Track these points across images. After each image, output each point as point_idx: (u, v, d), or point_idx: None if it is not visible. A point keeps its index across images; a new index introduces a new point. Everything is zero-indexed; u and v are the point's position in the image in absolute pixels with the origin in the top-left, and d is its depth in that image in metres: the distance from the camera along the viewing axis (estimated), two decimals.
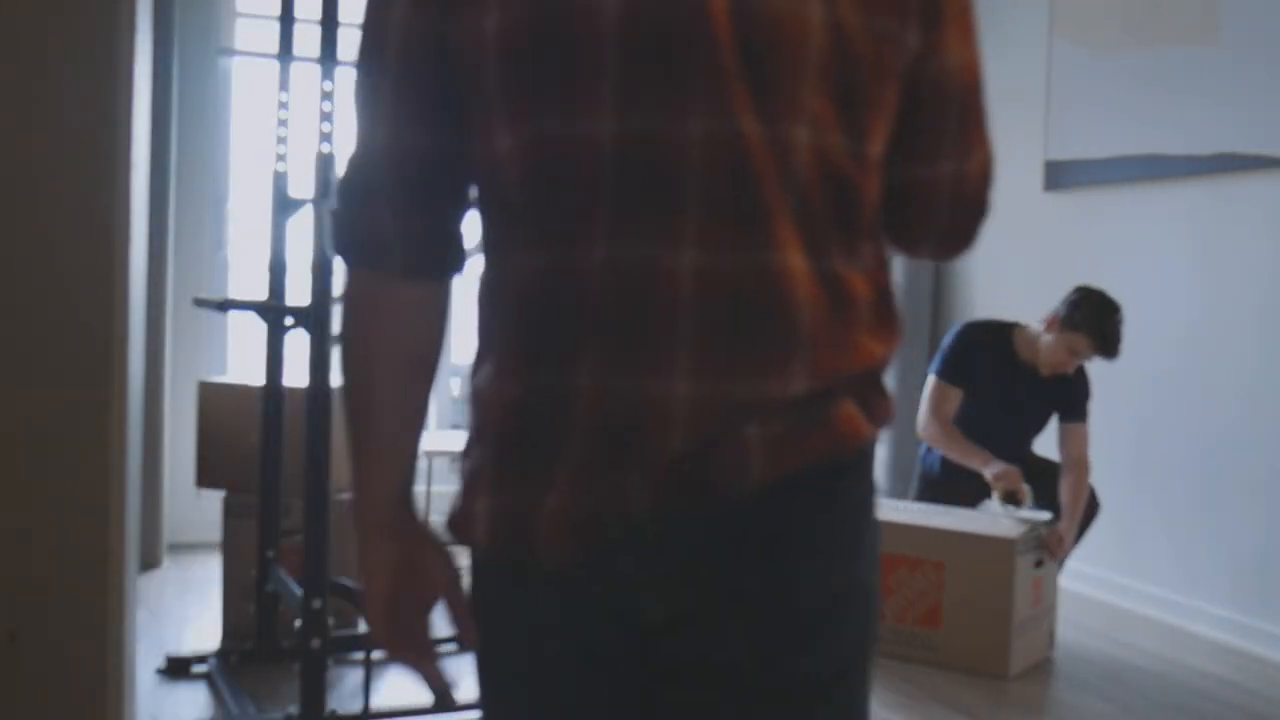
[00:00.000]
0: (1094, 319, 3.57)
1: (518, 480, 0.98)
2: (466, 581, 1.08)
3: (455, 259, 1.05)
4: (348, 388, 1.07)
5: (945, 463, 3.85)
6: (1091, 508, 3.76)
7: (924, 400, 3.79)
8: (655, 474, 0.94)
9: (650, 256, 0.93)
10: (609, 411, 0.94)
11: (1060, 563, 3.79)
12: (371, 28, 1.01)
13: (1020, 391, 3.75)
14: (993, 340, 3.77)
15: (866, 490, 1.02)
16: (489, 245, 1.01)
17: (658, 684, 0.99)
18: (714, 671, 0.97)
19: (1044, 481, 3.75)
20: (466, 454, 1.04)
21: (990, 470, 3.62)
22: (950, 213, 1.09)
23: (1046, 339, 3.66)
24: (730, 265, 0.93)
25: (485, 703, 1.12)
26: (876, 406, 1.00)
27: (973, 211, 1.12)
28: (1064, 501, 3.66)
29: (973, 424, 3.76)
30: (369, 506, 1.08)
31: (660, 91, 0.93)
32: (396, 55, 0.99)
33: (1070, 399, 3.72)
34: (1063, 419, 3.73)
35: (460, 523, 1.02)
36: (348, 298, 1.05)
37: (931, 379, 3.79)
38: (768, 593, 0.96)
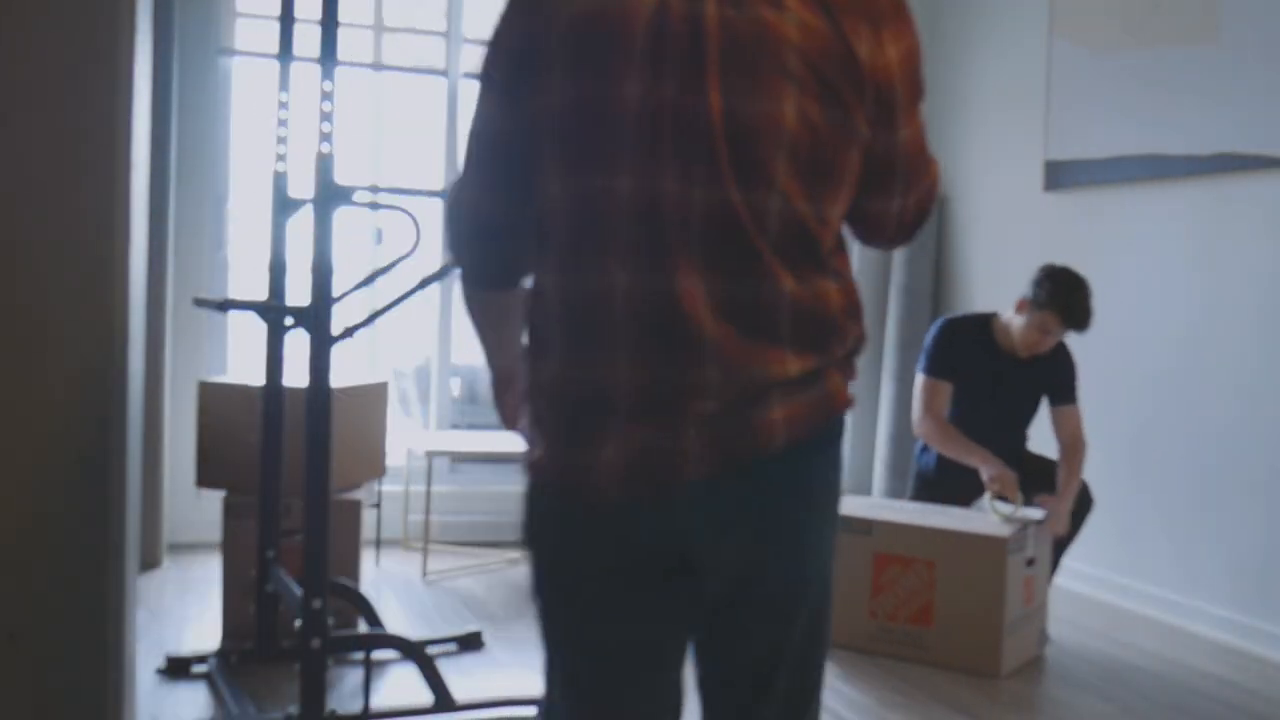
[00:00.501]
0: (1060, 295, 3.60)
1: (576, 440, 1.33)
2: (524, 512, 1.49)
3: (521, 277, 1.48)
4: (480, 333, 1.58)
5: (940, 461, 3.86)
6: (1085, 502, 3.77)
7: (916, 399, 3.81)
8: (695, 432, 1.28)
9: (672, 283, 1.29)
10: (647, 391, 1.29)
11: (1056, 563, 3.80)
12: (476, 109, 1.42)
13: (1006, 379, 3.77)
14: (973, 332, 3.81)
15: (840, 443, 1.39)
16: (537, 264, 1.39)
17: (680, 590, 1.35)
18: (732, 583, 1.34)
19: (1041, 479, 3.75)
20: (531, 417, 1.42)
21: (987, 471, 3.63)
22: (895, 229, 1.47)
23: (1018, 321, 3.71)
24: (730, 291, 1.29)
25: (544, 612, 1.44)
26: (849, 378, 1.39)
27: (914, 225, 1.48)
28: (1060, 478, 3.68)
29: (964, 419, 3.78)
30: (501, 364, 1.59)
31: (665, 166, 1.28)
32: (491, 134, 1.40)
33: (1056, 381, 3.76)
34: (1053, 402, 3.77)
35: (532, 466, 1.43)
36: (465, 295, 1.54)
37: (920, 377, 3.81)
38: (783, 524, 1.34)
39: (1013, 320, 3.74)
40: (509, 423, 1.67)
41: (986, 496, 3.65)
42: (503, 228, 1.43)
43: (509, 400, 1.64)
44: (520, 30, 1.35)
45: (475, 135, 1.43)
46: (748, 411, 1.29)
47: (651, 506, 1.31)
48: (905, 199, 1.43)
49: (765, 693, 1.42)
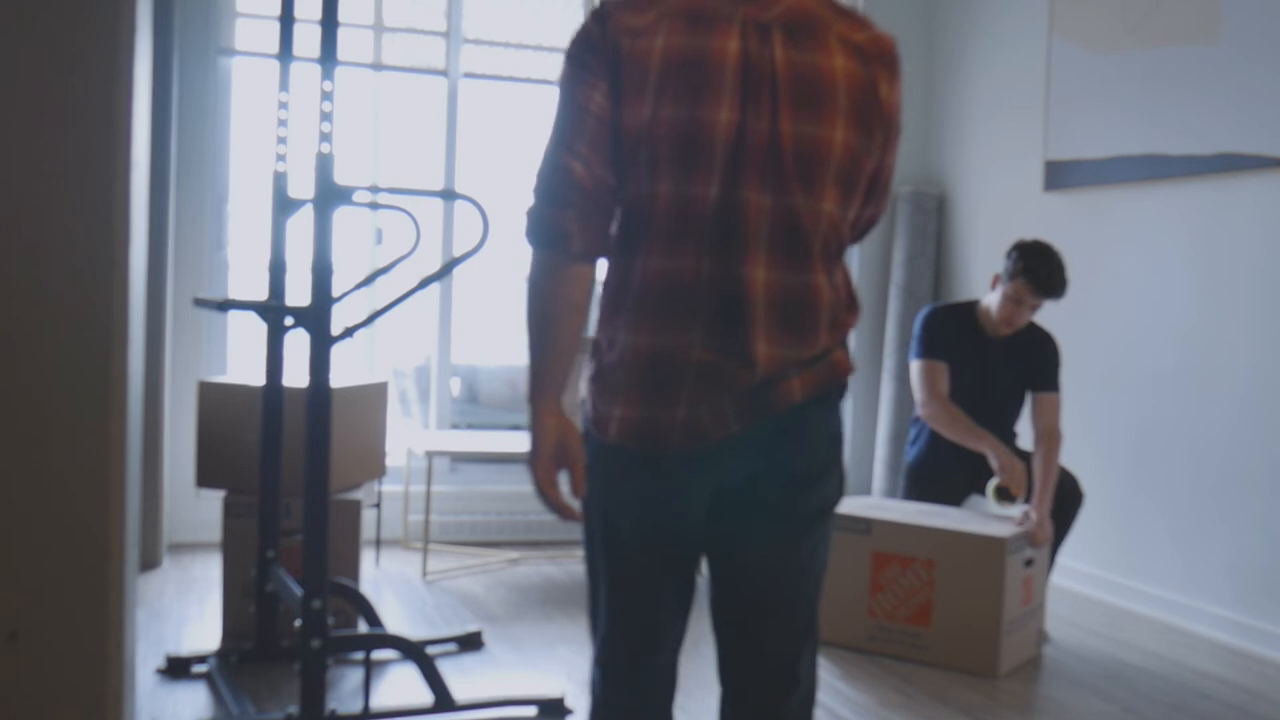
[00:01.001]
0: (1029, 262, 3.65)
1: (652, 400, 1.63)
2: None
3: (605, 252, 1.67)
4: (536, 322, 1.66)
5: (927, 457, 3.88)
6: (1075, 497, 3.77)
7: (916, 383, 3.82)
8: (741, 400, 1.62)
9: (735, 272, 1.61)
10: (712, 364, 1.61)
11: (1052, 560, 3.80)
12: (570, 92, 1.64)
13: (990, 362, 3.79)
14: (957, 317, 3.85)
15: (841, 406, 1.74)
16: (625, 250, 1.65)
17: (731, 514, 1.68)
18: (767, 502, 1.67)
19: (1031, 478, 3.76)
20: (600, 380, 1.67)
21: (995, 459, 3.62)
22: (861, 232, 1.81)
23: (993, 297, 3.76)
24: (784, 281, 1.63)
25: (601, 551, 1.74)
26: (849, 355, 1.74)
27: (872, 226, 1.83)
28: (1035, 475, 3.64)
29: (974, 406, 3.80)
30: (547, 394, 1.67)
31: (747, 178, 1.61)
32: (594, 121, 1.62)
33: (1039, 365, 3.76)
34: (1034, 388, 3.76)
35: (596, 420, 1.68)
36: (536, 268, 1.66)
37: (916, 363, 3.84)
38: (798, 462, 1.68)
39: (990, 299, 3.78)
40: (548, 497, 1.68)
41: (991, 484, 3.65)
42: (602, 191, 1.64)
43: (549, 465, 1.68)
44: (618, 51, 1.62)
45: (573, 111, 1.64)
46: (776, 385, 1.65)
47: (699, 453, 1.65)
48: (877, 208, 1.80)
49: (791, 620, 1.73)
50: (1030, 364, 3.77)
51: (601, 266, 1.69)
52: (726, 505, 1.68)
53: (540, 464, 1.66)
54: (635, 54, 1.61)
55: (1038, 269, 3.64)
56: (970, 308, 3.87)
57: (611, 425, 1.66)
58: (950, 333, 3.82)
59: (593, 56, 1.63)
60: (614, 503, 1.71)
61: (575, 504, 1.94)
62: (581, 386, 1.74)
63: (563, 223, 1.63)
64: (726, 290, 1.61)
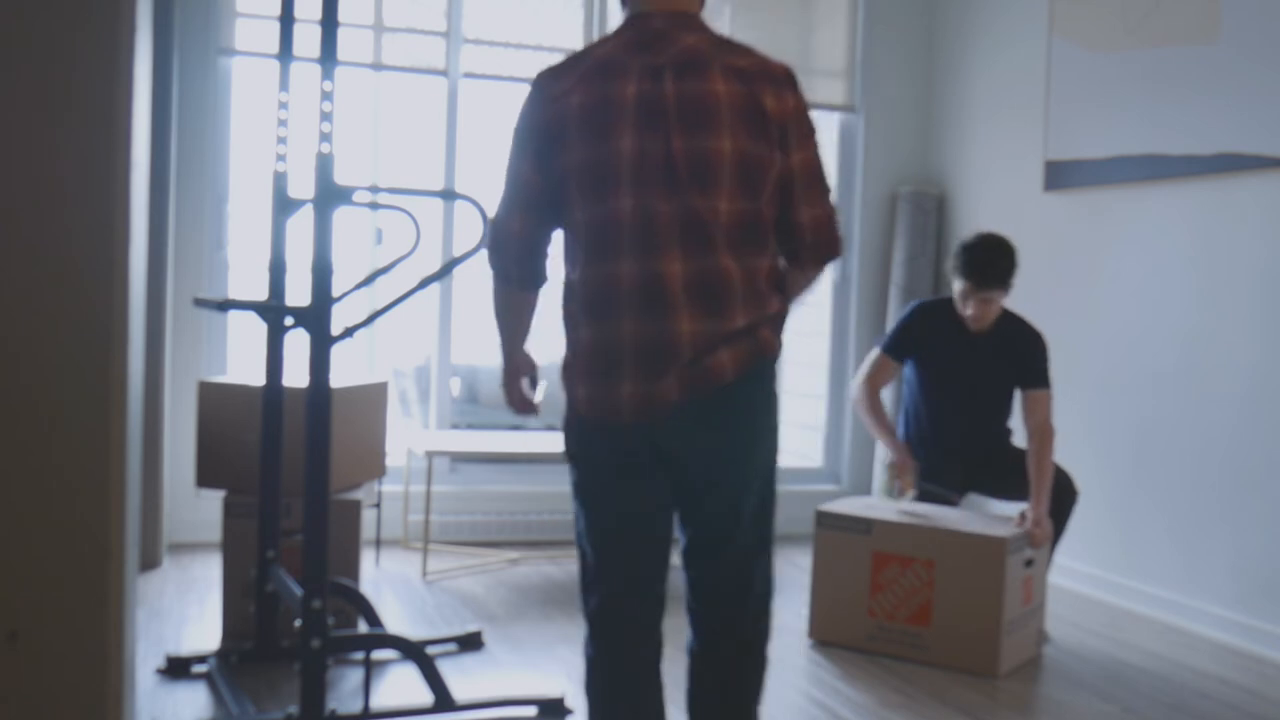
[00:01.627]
0: (966, 256, 3.69)
1: (603, 380, 2.02)
2: (564, 424, 2.14)
3: (542, 281, 2.17)
4: (499, 322, 2.25)
5: (931, 454, 3.90)
6: (1069, 494, 3.77)
7: (862, 367, 3.91)
8: (680, 377, 1.99)
9: (656, 267, 1.99)
10: (646, 346, 1.99)
11: (1049, 559, 3.80)
12: (512, 163, 2.10)
13: (971, 358, 3.79)
14: (942, 313, 3.84)
15: (774, 378, 2.09)
16: (569, 263, 2.08)
17: (673, 470, 2.05)
18: (710, 468, 2.05)
19: (1013, 471, 3.79)
20: (567, 368, 2.09)
21: (891, 455, 3.79)
22: (813, 237, 2.10)
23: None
24: (697, 268, 2.00)
25: (581, 491, 2.13)
26: (778, 334, 2.07)
27: (827, 238, 2.12)
28: (1030, 474, 3.64)
29: (938, 401, 3.85)
30: (512, 354, 2.30)
31: (651, 189, 1.99)
32: (525, 185, 2.08)
33: (1024, 363, 3.74)
34: (1022, 386, 3.74)
35: (570, 396, 2.08)
36: (496, 293, 2.21)
37: (874, 351, 3.91)
38: (733, 429, 2.04)
39: None
40: (515, 405, 2.37)
41: (884, 478, 3.74)
42: (531, 241, 2.12)
43: (515, 386, 2.35)
44: (545, 115, 2.06)
45: (512, 181, 2.11)
46: (706, 359, 2.00)
47: (649, 424, 2.02)
48: (815, 210, 2.10)
49: (729, 542, 2.12)
50: (1017, 361, 3.75)
51: (547, 285, 2.21)
52: (680, 464, 2.06)
53: (507, 375, 2.33)
54: (558, 113, 2.05)
55: (973, 261, 3.66)
56: (953, 305, 3.86)
57: (580, 402, 2.08)
58: (930, 331, 3.83)
59: (526, 129, 2.09)
60: (588, 463, 2.11)
61: (534, 400, 2.40)
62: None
63: (505, 265, 2.16)
64: (650, 283, 2.00)
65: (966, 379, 3.82)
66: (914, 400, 3.95)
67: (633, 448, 2.04)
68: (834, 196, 2.25)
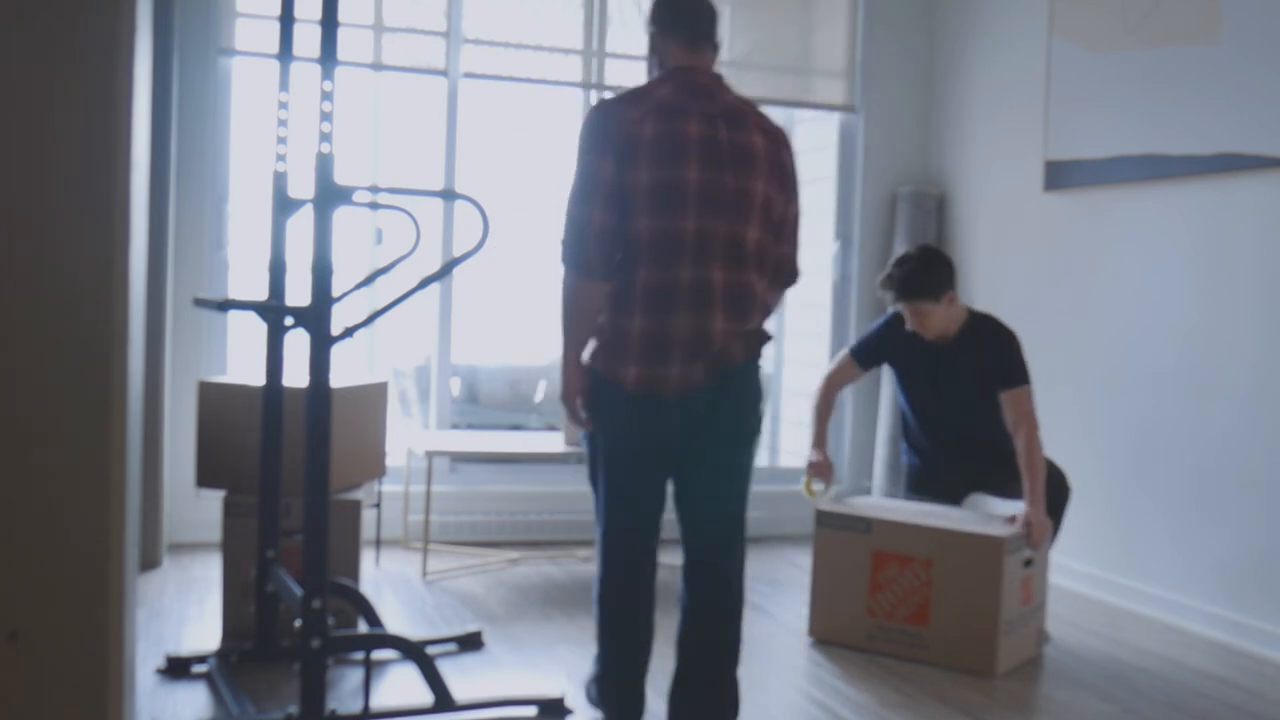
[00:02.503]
0: (892, 270, 3.74)
1: (653, 362, 2.52)
2: (596, 396, 2.62)
3: (608, 273, 2.54)
4: (572, 318, 2.58)
5: (924, 461, 3.92)
6: (1062, 492, 3.77)
7: (831, 363, 3.99)
8: (707, 361, 2.53)
9: (706, 275, 2.52)
10: (692, 337, 2.51)
11: (1046, 557, 3.80)
12: (590, 165, 2.51)
13: (942, 367, 3.79)
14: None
15: (759, 357, 2.66)
16: (625, 264, 2.52)
17: (697, 435, 2.58)
18: (719, 428, 2.59)
19: (1010, 470, 3.79)
20: (607, 351, 2.56)
21: (810, 455, 3.83)
22: (786, 267, 2.72)
23: None
24: (732, 280, 2.55)
25: (611, 464, 2.63)
26: (766, 331, 2.66)
27: (792, 269, 2.74)
28: (1024, 479, 3.60)
29: (920, 409, 3.89)
30: (573, 362, 2.61)
31: (709, 213, 2.51)
32: (606, 183, 2.49)
33: (995, 365, 3.70)
34: (998, 388, 3.70)
35: (610, 373, 2.55)
36: (570, 287, 2.56)
37: (843, 351, 3.97)
38: (740, 399, 2.60)
39: None
40: (576, 420, 2.70)
41: (803, 479, 3.80)
42: (609, 233, 2.52)
43: (575, 401, 2.66)
44: (622, 134, 2.50)
45: (591, 179, 2.51)
46: (728, 350, 2.57)
47: (682, 400, 2.56)
48: (789, 248, 2.71)
49: (727, 504, 2.68)
50: (988, 364, 3.71)
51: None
52: (694, 428, 2.59)
53: (569, 392, 2.64)
54: (632, 135, 2.49)
55: (895, 274, 3.71)
56: None
57: (628, 380, 2.54)
58: (901, 340, 3.84)
59: (603, 138, 2.50)
60: (619, 427, 2.59)
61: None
62: (585, 356, 2.61)
63: (587, 254, 2.51)
64: (701, 288, 2.52)
65: (942, 386, 3.82)
66: (903, 405, 3.98)
67: (666, 417, 2.56)
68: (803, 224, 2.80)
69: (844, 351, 3.95)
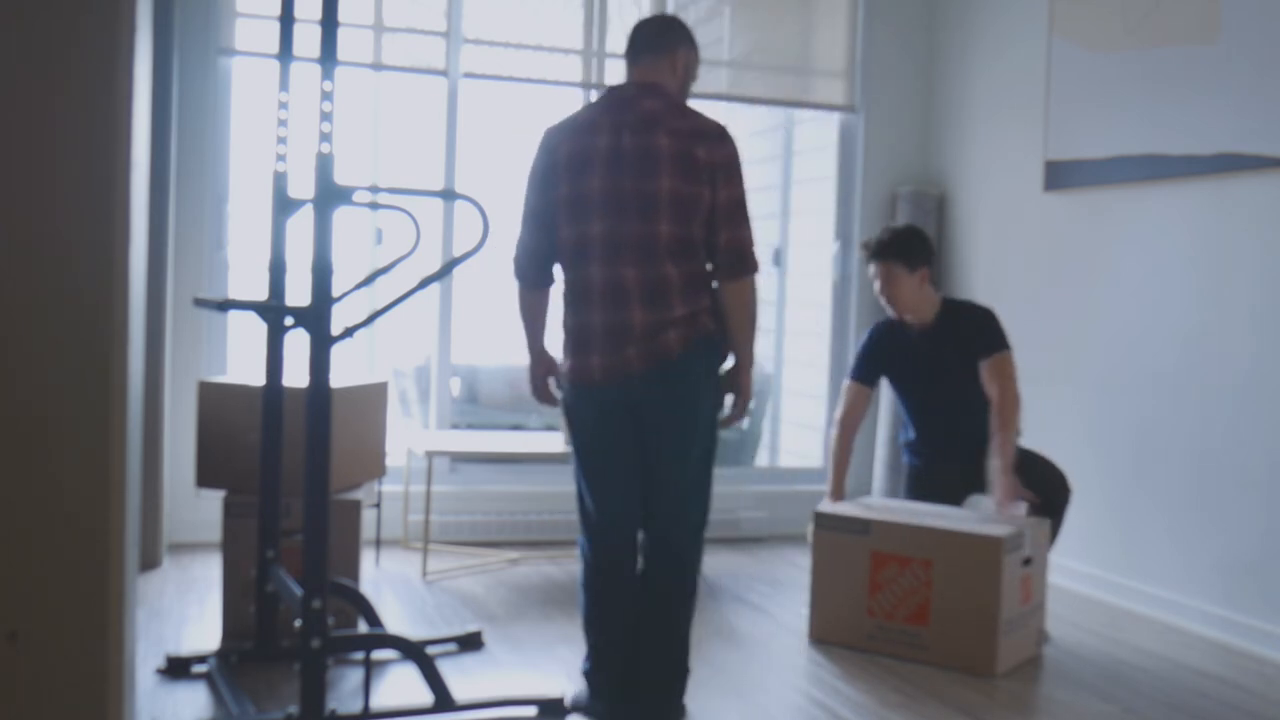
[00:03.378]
0: (866, 238, 3.95)
1: (582, 354, 2.81)
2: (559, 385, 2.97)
3: (549, 282, 2.93)
4: (523, 318, 2.95)
5: (926, 459, 3.92)
6: (1062, 493, 3.78)
7: (839, 402, 3.99)
8: (633, 349, 2.75)
9: (617, 272, 2.75)
10: (610, 329, 2.76)
11: (1046, 558, 3.80)
12: (527, 195, 2.89)
13: (927, 356, 3.85)
14: (894, 327, 3.93)
15: (715, 353, 2.82)
16: (564, 270, 2.84)
17: (638, 421, 2.80)
18: (659, 415, 2.78)
19: (1027, 476, 3.80)
20: (563, 348, 2.86)
21: (821, 505, 3.78)
22: (724, 255, 2.78)
23: None
24: (648, 275, 2.74)
25: (574, 439, 2.90)
26: (714, 320, 2.81)
27: (739, 254, 2.79)
28: (992, 424, 3.69)
29: (920, 405, 3.92)
30: (533, 347, 2.99)
31: (614, 216, 2.75)
32: (531, 206, 2.87)
33: (973, 337, 3.78)
34: (981, 358, 3.76)
35: (564, 369, 2.86)
36: (519, 296, 2.95)
37: (845, 381, 3.98)
38: (679, 391, 2.77)
39: None
40: (539, 396, 3.04)
41: (810, 525, 3.75)
42: (542, 252, 2.90)
43: (541, 379, 3.03)
44: (545, 161, 2.86)
45: (524, 202, 2.89)
46: (657, 338, 2.76)
47: (619, 386, 2.80)
48: (730, 233, 2.78)
49: (668, 487, 2.85)
50: (968, 341, 3.79)
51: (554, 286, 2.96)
52: (641, 417, 2.81)
53: (533, 369, 3.03)
54: (553, 160, 2.84)
55: (876, 237, 3.83)
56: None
57: (567, 371, 2.88)
58: (888, 346, 3.91)
59: (533, 166, 2.88)
60: (575, 416, 2.89)
61: (556, 396, 3.04)
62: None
63: (521, 268, 2.93)
64: (613, 285, 2.77)
65: (932, 378, 3.86)
66: (901, 411, 4.01)
67: (606, 402, 2.82)
68: (753, 226, 2.84)
69: (845, 382, 3.96)
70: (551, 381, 3.01)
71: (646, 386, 2.75)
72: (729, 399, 2.93)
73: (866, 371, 3.94)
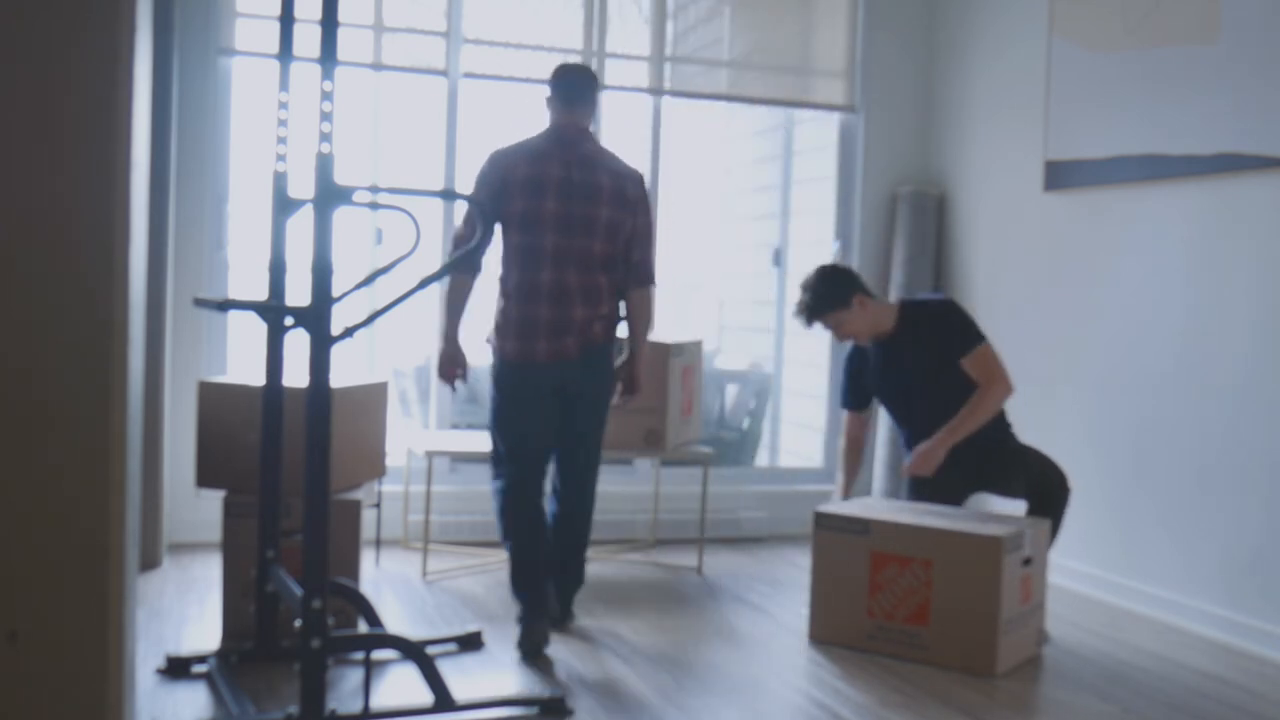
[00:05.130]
0: (794, 305, 4.01)
1: (526, 339, 3.55)
2: (486, 368, 3.72)
3: (478, 271, 3.62)
4: (447, 308, 3.64)
5: None
6: (1061, 492, 3.79)
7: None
8: (571, 338, 3.56)
9: (563, 277, 3.56)
10: (554, 320, 3.54)
11: (1046, 558, 3.79)
12: (474, 195, 3.53)
13: (903, 365, 3.91)
14: (858, 350, 4.08)
15: (615, 341, 3.69)
16: (505, 269, 3.61)
17: (564, 392, 3.62)
18: (581, 394, 3.64)
19: (1010, 468, 3.85)
20: (499, 332, 3.59)
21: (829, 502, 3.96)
22: (639, 269, 3.69)
23: None
24: (585, 280, 3.58)
25: (502, 407, 3.61)
26: (617, 320, 3.72)
27: (647, 269, 3.70)
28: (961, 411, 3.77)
29: (906, 415, 3.96)
30: (450, 337, 3.66)
31: (563, 233, 3.55)
32: (483, 211, 3.36)
33: (941, 341, 3.82)
34: (959, 359, 3.81)
35: (500, 349, 3.59)
36: (461, 283, 3.60)
37: (842, 411, 4.17)
38: (600, 369, 3.66)
39: None
40: (445, 378, 3.70)
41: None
42: (480, 250, 3.42)
43: (458, 357, 3.69)
44: (498, 177, 3.54)
45: (479, 210, 3.37)
46: (589, 330, 3.55)
47: (555, 365, 3.53)
48: (639, 253, 3.65)
49: (585, 441, 3.70)
50: (935, 343, 3.83)
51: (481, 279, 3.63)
52: (566, 391, 3.60)
53: (442, 360, 3.68)
54: (507, 178, 3.53)
55: (799, 302, 3.94)
56: None
57: (509, 353, 3.55)
58: (862, 366, 4.05)
59: (487, 179, 3.55)
60: (510, 385, 3.58)
61: (459, 383, 3.72)
62: (488, 334, 3.63)
63: (476, 262, 3.55)
64: (558, 286, 3.53)
65: (908, 386, 3.91)
66: (893, 427, 4.06)
67: (544, 378, 3.55)
68: (656, 248, 3.73)
69: (842, 411, 4.17)
70: (459, 370, 3.68)
71: (578, 366, 3.55)
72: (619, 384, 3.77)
73: (852, 398, 4.11)
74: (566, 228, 3.50)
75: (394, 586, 4.20)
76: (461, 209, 5.03)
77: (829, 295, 3.88)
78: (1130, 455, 4.34)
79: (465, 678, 3.25)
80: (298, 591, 2.80)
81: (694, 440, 4.71)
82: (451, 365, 3.65)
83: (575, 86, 3.61)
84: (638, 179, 3.65)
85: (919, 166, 5.55)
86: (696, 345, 4.67)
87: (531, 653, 3.44)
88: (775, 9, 5.39)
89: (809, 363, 5.81)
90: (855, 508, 3.71)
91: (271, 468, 3.22)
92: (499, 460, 3.63)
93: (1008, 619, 3.43)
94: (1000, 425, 3.94)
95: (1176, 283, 4.16)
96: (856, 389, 4.08)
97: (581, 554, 3.81)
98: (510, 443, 3.59)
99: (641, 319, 3.69)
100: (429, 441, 4.50)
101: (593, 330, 3.55)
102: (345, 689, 3.13)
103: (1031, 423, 4.68)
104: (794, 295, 4.00)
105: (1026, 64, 4.90)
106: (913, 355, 3.86)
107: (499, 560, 4.67)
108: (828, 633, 3.68)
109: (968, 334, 3.79)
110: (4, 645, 1.95)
